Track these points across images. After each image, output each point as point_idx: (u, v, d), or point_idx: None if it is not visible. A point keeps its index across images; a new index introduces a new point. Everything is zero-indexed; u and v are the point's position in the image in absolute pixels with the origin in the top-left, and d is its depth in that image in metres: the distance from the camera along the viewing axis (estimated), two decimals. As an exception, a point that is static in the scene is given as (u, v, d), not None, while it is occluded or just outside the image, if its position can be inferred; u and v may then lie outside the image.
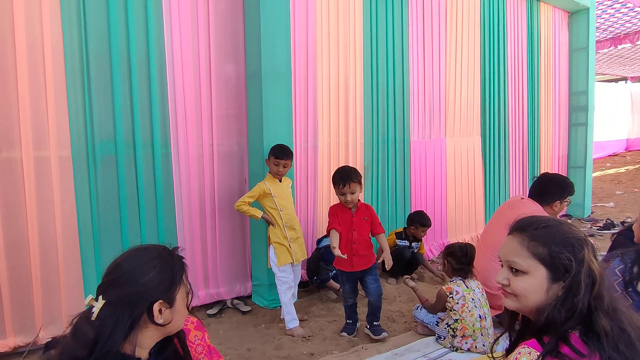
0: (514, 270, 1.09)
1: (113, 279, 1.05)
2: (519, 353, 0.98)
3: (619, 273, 1.86)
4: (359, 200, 2.67)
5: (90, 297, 1.03)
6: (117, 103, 2.75)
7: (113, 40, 2.71)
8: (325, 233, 3.61)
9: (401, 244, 3.81)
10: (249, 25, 3.21)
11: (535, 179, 2.68)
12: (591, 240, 1.09)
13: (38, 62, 2.48)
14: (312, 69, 3.60)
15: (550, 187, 2.54)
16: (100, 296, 1.02)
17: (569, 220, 5.84)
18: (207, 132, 3.15)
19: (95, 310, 1.00)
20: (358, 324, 2.80)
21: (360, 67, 3.92)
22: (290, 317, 2.78)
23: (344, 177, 2.54)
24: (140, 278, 1.04)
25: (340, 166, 2.74)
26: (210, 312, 3.09)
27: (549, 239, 1.06)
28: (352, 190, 2.54)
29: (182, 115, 3.05)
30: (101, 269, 2.72)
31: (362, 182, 2.62)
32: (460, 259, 2.53)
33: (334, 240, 2.55)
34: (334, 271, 3.40)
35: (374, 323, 2.68)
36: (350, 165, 3.86)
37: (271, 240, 2.87)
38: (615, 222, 5.50)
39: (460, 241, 3.50)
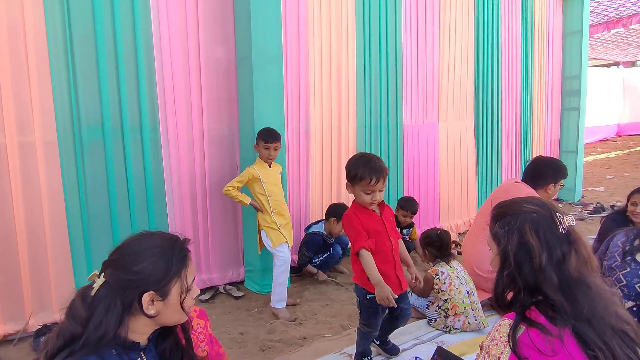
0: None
1: (113, 260, 1.05)
2: (500, 325, 1.04)
3: (620, 244, 2.01)
4: None
5: (94, 272, 1.05)
6: (103, 87, 2.68)
7: (98, 21, 2.62)
8: (317, 219, 3.62)
9: None
10: (238, 7, 3.13)
11: (528, 162, 2.68)
12: (566, 217, 1.09)
13: (19, 44, 2.40)
14: (304, 52, 3.54)
15: (544, 170, 2.55)
16: (103, 274, 1.03)
17: (560, 205, 5.89)
18: (197, 117, 3.10)
19: (95, 287, 1.01)
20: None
21: (352, 51, 3.86)
22: (279, 298, 2.79)
23: (376, 169, 1.85)
24: (134, 265, 1.02)
25: (359, 154, 1.98)
26: (202, 297, 3.08)
27: (498, 217, 1.17)
28: (382, 187, 1.90)
29: (171, 99, 2.99)
30: (91, 255, 2.69)
31: None
32: (439, 247, 2.64)
33: (372, 271, 1.81)
34: (318, 260, 3.40)
35: (389, 341, 2.24)
36: (343, 149, 3.86)
37: (261, 225, 2.87)
38: (605, 206, 5.56)
39: (438, 227, 3.57)
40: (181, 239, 1.11)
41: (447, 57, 4.69)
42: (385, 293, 1.76)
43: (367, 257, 1.84)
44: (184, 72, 3.02)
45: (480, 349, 1.05)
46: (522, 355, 0.95)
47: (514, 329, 1.00)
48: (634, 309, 1.94)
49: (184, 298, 1.08)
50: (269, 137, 2.81)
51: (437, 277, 2.52)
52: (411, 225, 3.93)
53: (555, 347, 0.95)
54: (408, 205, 3.83)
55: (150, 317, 1.03)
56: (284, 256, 2.82)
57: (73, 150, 2.63)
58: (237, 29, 3.17)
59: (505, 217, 1.14)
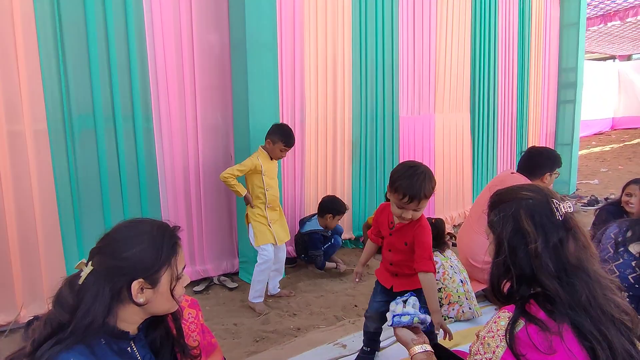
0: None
1: (100, 247, 1.02)
2: (499, 317, 1.01)
3: (612, 236, 2.02)
4: None
5: (82, 260, 1.02)
6: (94, 75, 2.63)
7: (88, 6, 2.56)
8: (311, 213, 3.60)
9: None
10: (232, -7, 3.08)
11: (523, 153, 2.67)
12: (563, 204, 1.07)
13: (7, 29, 2.34)
14: (299, 41, 3.49)
15: (539, 160, 2.54)
16: (90, 262, 1.00)
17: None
18: (190, 105, 3.05)
19: (83, 275, 0.98)
20: (377, 353, 2.13)
21: (348, 40, 3.82)
22: (257, 294, 2.75)
23: (414, 189, 1.64)
24: (122, 252, 1.00)
25: (409, 163, 1.75)
26: (196, 288, 3.06)
27: (493, 205, 1.15)
28: (418, 207, 1.70)
29: (163, 88, 2.93)
30: (83, 246, 2.66)
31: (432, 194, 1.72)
32: (434, 236, 2.57)
33: (363, 255, 2.07)
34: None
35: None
36: (338, 140, 3.82)
37: (250, 219, 2.82)
38: (599, 199, 5.58)
39: (432, 217, 3.55)
40: (171, 226, 1.08)
41: (444, 49, 4.66)
42: (355, 269, 2.06)
43: (367, 244, 2.07)
44: (176, 60, 2.97)
45: (477, 337, 1.03)
46: (518, 352, 0.93)
47: (512, 323, 0.97)
48: (627, 299, 1.95)
49: (174, 286, 1.05)
50: (290, 141, 2.76)
51: None
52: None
53: (554, 345, 0.92)
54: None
55: (139, 305, 1.00)
56: (266, 255, 2.73)
57: (64, 140, 2.58)
58: (231, 15, 3.11)
59: (500, 204, 1.12)
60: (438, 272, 2.48)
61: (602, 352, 0.91)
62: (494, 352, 0.96)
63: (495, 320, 1.01)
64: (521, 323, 0.97)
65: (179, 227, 1.10)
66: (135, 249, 1.00)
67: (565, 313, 0.96)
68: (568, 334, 0.94)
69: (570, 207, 1.07)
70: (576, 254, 1.02)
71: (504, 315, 1.00)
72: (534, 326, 0.95)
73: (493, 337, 0.98)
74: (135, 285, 0.99)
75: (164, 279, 1.03)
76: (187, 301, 1.26)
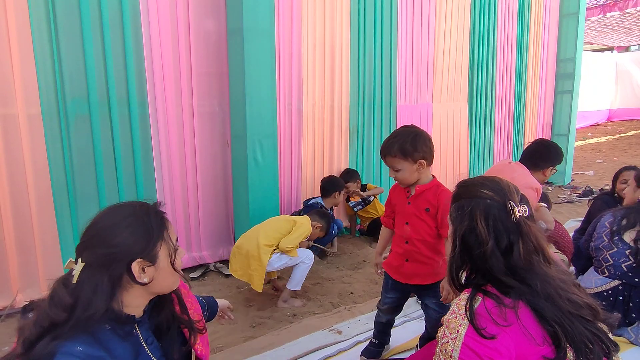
0: None
1: (87, 240, 1.00)
2: (459, 299, 1.07)
3: (607, 225, 2.07)
4: (433, 178, 1.78)
5: (70, 260, 1.00)
6: (88, 58, 2.59)
7: (82, -12, 2.52)
8: (308, 197, 3.60)
9: None
10: (229, -23, 3.03)
11: (530, 143, 2.65)
12: (518, 207, 1.10)
13: (-1, 10, 2.30)
14: (297, 28, 3.45)
15: (546, 154, 2.51)
16: (79, 259, 0.98)
17: (550, 188, 5.95)
18: (186, 92, 3.03)
19: (75, 274, 0.97)
20: (387, 347, 2.06)
21: (347, 28, 3.78)
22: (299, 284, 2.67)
23: (384, 146, 1.73)
24: (113, 239, 0.98)
25: (405, 126, 1.81)
26: (193, 275, 3.07)
27: (454, 198, 1.18)
28: (394, 167, 1.73)
29: (159, 73, 2.90)
30: (78, 231, 2.65)
31: (418, 156, 1.69)
32: None
33: (379, 245, 1.97)
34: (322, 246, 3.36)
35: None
36: (335, 128, 3.81)
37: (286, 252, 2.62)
38: (593, 190, 5.62)
39: None
40: (151, 204, 1.08)
41: (442, 38, 4.63)
42: (373, 264, 1.85)
43: (381, 231, 1.98)
44: (172, 45, 2.93)
45: (442, 323, 1.07)
46: (479, 326, 0.97)
47: (470, 300, 1.02)
48: (620, 287, 1.97)
49: (174, 259, 1.06)
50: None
51: None
52: (366, 202, 3.85)
53: (509, 318, 0.97)
54: (353, 176, 3.72)
55: (144, 284, 1.01)
56: (310, 254, 2.66)
57: (58, 124, 2.55)
58: (228, 0, 3.07)
59: (460, 199, 1.15)
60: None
61: (565, 336, 0.96)
62: (457, 331, 1.00)
63: (457, 302, 1.06)
64: (479, 299, 1.02)
65: (161, 202, 1.11)
66: (125, 232, 0.99)
67: (523, 296, 1.01)
68: (524, 311, 0.99)
69: (525, 210, 1.10)
70: (526, 256, 1.06)
71: (464, 297, 1.05)
72: (491, 300, 1.00)
73: (455, 317, 1.03)
74: (135, 266, 0.99)
75: (162, 253, 1.04)
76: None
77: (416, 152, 1.67)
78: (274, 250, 2.55)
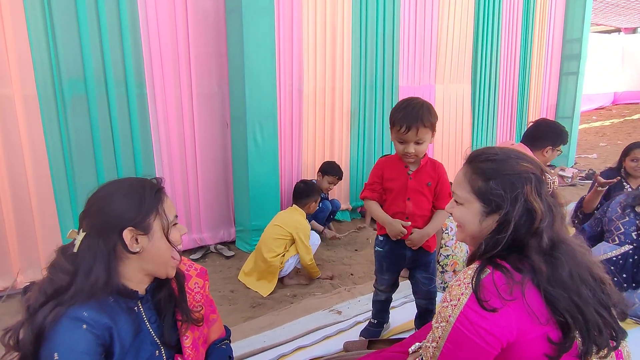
0: (457, 201, 1.12)
1: (86, 210, 1.04)
2: (468, 268, 1.03)
3: (621, 201, 2.19)
4: (425, 154, 1.74)
5: (72, 230, 1.03)
6: (84, 37, 2.54)
7: (75, -36, 2.45)
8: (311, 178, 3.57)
9: None
10: (227, -47, 2.95)
11: (532, 123, 2.62)
12: (548, 176, 1.04)
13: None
14: (297, 6, 3.37)
15: (544, 132, 2.49)
16: (81, 229, 1.01)
17: (552, 170, 5.91)
18: (184, 72, 2.98)
19: (77, 243, 0.99)
20: (387, 327, 2.06)
21: (348, 7, 3.69)
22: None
23: (410, 117, 1.61)
24: (106, 207, 1.01)
25: (404, 99, 1.72)
26: (193, 257, 3.08)
27: (489, 173, 1.04)
28: (419, 139, 1.64)
29: (157, 53, 2.85)
30: (77, 211, 2.64)
31: (435, 127, 1.68)
32: None
33: (378, 214, 1.79)
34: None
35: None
36: (337, 110, 3.76)
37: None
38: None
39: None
40: (150, 179, 1.10)
41: (446, 18, 4.52)
42: (397, 228, 1.71)
43: (370, 204, 1.82)
44: (169, 23, 2.87)
45: (446, 289, 1.05)
46: (482, 297, 0.93)
47: (479, 270, 0.98)
48: (630, 251, 2.08)
49: (168, 231, 1.06)
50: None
51: (447, 231, 2.45)
52: None
53: (514, 293, 0.93)
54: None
55: (135, 253, 1.01)
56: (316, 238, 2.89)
57: (55, 105, 2.52)
58: (226, -23, 2.99)
59: (502, 175, 1.02)
60: (452, 239, 2.46)
61: (575, 325, 0.92)
62: (458, 299, 0.97)
63: (465, 271, 1.03)
64: (487, 271, 0.98)
65: (161, 178, 1.12)
66: (118, 201, 1.02)
67: (535, 279, 0.96)
68: (531, 290, 0.95)
69: (555, 180, 1.04)
70: (560, 227, 1.02)
71: (473, 267, 1.02)
72: (500, 273, 0.96)
73: (459, 285, 1.00)
74: (127, 234, 1.00)
75: (156, 224, 1.04)
76: (197, 270, 1.25)
77: (436, 122, 1.67)
78: (282, 256, 2.64)
